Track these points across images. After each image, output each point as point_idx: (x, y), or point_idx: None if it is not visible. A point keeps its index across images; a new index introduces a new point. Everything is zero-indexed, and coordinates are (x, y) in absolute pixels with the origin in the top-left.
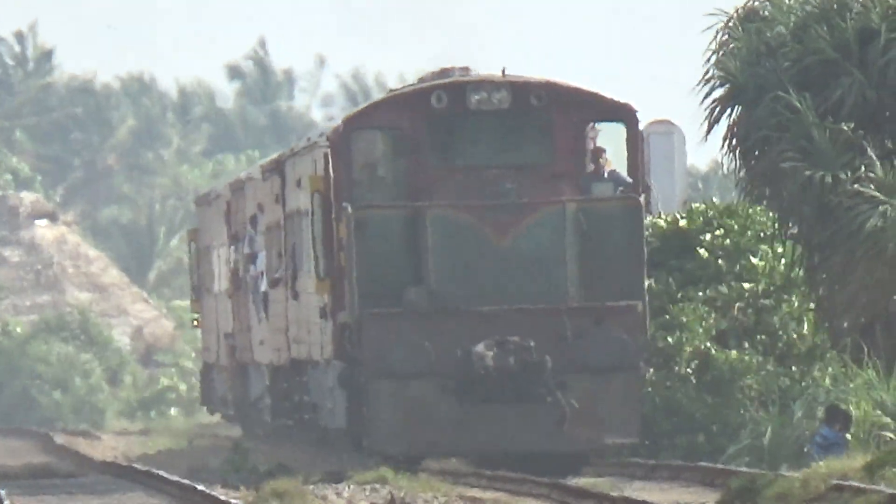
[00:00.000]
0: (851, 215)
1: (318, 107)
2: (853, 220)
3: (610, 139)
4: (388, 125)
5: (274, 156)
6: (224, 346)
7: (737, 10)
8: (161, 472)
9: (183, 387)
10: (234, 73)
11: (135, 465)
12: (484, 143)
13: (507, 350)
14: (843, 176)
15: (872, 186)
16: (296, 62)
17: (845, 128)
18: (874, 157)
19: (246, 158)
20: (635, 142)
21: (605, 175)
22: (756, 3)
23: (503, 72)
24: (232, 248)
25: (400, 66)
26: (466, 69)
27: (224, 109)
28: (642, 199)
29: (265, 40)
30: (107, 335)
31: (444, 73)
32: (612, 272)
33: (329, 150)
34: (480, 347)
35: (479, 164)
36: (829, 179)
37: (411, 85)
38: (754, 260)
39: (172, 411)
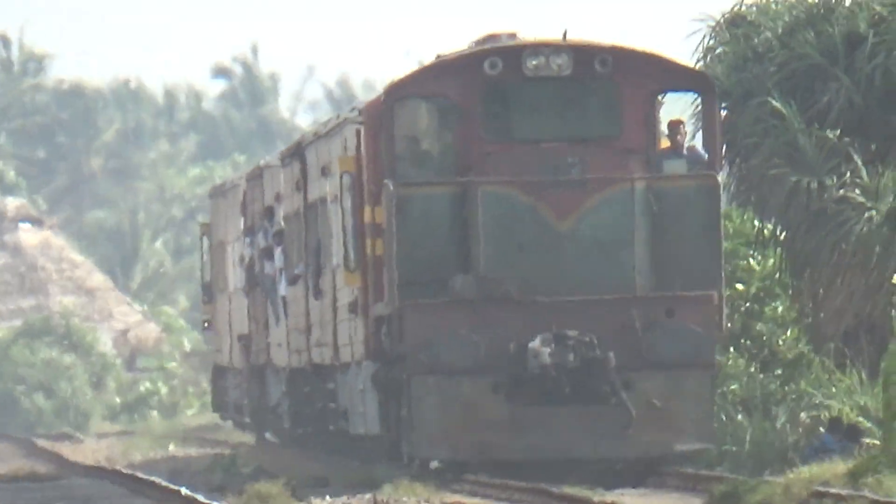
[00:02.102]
0: (838, 221)
1: (305, 111)
2: (840, 226)
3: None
4: (434, 94)
5: (294, 140)
6: (238, 347)
7: (723, 15)
8: (144, 475)
9: (165, 390)
10: (221, 75)
11: (117, 468)
12: (542, 113)
13: (566, 345)
14: (829, 182)
15: (858, 192)
16: (283, 68)
17: (831, 135)
18: (860, 163)
19: (231, 163)
20: (712, 114)
21: (685, 151)
22: (743, 8)
23: (564, 35)
24: (247, 240)
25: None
26: (514, 35)
27: (210, 114)
28: (720, 177)
29: (257, 46)
30: (91, 339)
31: (492, 39)
32: (685, 258)
33: (362, 127)
34: (536, 342)
35: (536, 136)
36: (815, 185)
37: (461, 50)
38: (752, 262)
39: (154, 414)
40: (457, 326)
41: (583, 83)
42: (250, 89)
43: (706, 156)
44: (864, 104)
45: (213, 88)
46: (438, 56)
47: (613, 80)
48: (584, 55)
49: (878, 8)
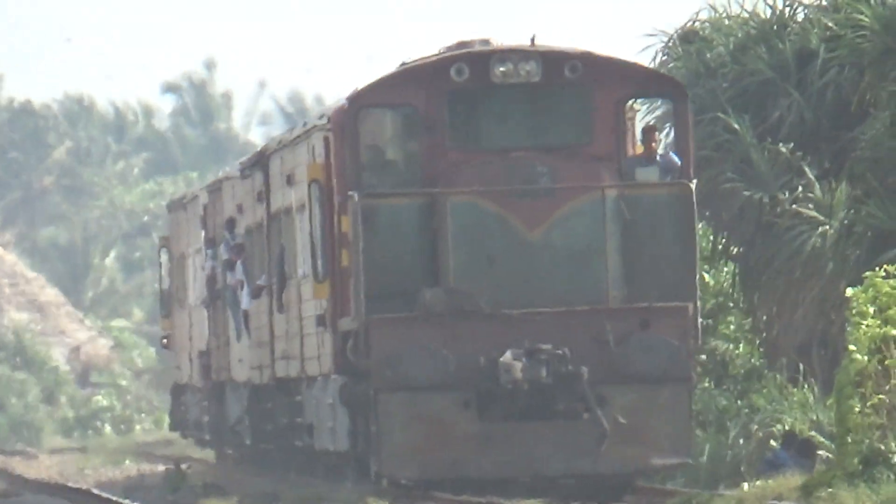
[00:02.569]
0: (790, 236)
1: (257, 125)
2: (792, 240)
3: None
4: (400, 102)
5: (255, 150)
6: (198, 364)
7: (676, 31)
8: (97, 491)
9: (118, 406)
10: (171, 91)
11: (70, 484)
12: (511, 121)
13: (537, 359)
14: (781, 196)
15: (811, 207)
16: (235, 84)
17: (783, 149)
18: (813, 178)
19: (183, 180)
20: (684, 120)
21: (659, 158)
22: (696, 24)
23: (532, 40)
24: (208, 253)
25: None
26: (487, 41)
27: (162, 131)
28: (693, 184)
29: (212, 61)
30: (43, 355)
31: (463, 45)
32: (659, 269)
33: (331, 134)
34: (507, 356)
35: (505, 145)
36: (767, 200)
37: (427, 56)
38: (707, 276)
39: (107, 429)
40: (425, 340)
41: (552, 90)
42: (201, 106)
43: (680, 162)
44: (815, 119)
45: (165, 105)
46: (403, 63)
47: (584, 87)
48: (554, 61)
49: (829, 24)
